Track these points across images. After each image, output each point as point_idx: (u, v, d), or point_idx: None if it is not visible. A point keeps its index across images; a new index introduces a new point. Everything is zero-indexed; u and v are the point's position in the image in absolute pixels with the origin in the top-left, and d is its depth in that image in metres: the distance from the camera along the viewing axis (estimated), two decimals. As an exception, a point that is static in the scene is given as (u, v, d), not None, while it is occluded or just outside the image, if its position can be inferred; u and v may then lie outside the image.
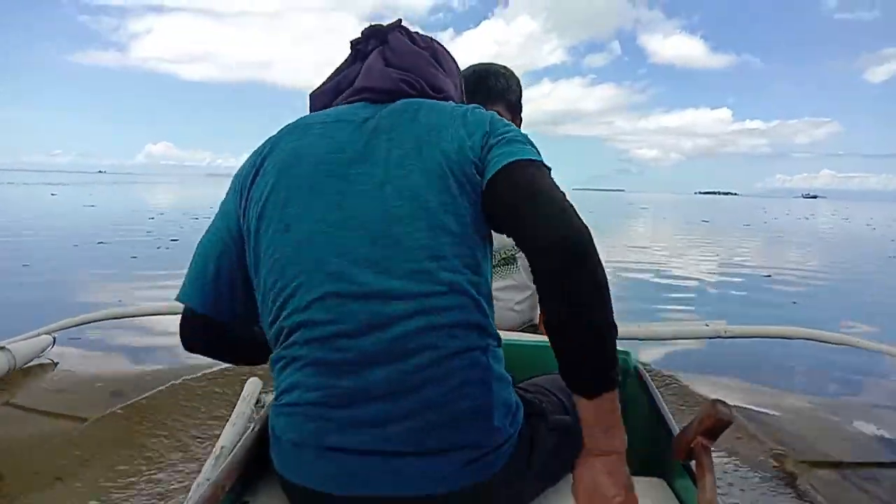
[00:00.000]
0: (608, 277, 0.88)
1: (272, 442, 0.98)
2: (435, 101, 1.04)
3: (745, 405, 3.21)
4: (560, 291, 0.85)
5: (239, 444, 1.10)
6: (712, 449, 1.04)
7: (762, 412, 3.17)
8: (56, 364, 3.45)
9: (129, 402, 2.78)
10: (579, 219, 0.88)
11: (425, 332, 0.88)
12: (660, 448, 1.25)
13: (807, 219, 34.82)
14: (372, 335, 0.88)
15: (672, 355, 3.99)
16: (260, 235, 0.96)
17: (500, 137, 0.96)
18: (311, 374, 0.91)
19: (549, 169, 0.96)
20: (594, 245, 0.86)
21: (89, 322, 3.27)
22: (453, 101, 1.11)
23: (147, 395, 2.87)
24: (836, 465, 2.69)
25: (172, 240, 10.51)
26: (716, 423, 1.02)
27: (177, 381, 3.06)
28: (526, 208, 0.88)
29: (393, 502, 0.90)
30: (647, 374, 1.63)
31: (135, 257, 8.33)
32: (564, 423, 1.09)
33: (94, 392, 3.08)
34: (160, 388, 2.97)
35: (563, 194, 0.91)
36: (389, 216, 0.90)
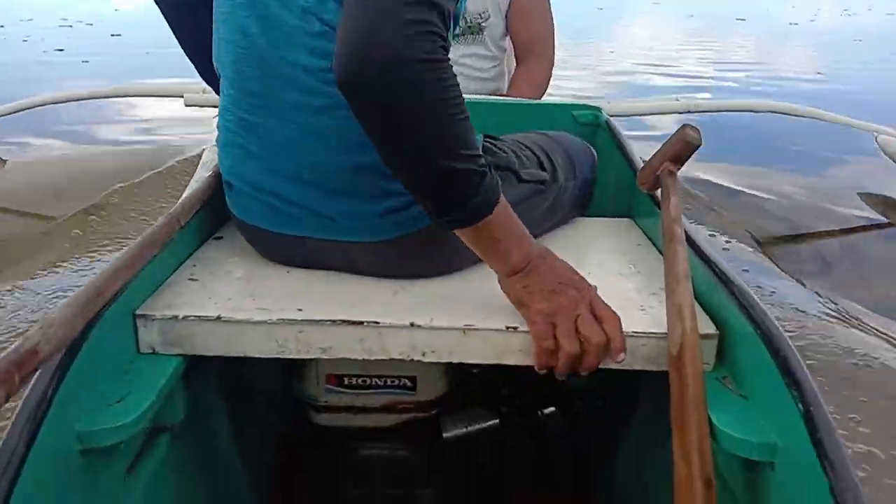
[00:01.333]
0: None
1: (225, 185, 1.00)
2: None
3: (717, 182, 3.26)
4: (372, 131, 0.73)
5: (196, 186, 1.05)
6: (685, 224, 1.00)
7: (737, 189, 3.23)
8: (5, 161, 3.26)
9: (92, 199, 2.68)
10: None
11: None
12: (630, 191, 1.25)
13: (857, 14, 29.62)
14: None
15: (648, 136, 3.98)
16: None
17: None
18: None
19: None
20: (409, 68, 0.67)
21: (24, 109, 2.96)
22: None
23: (109, 190, 2.78)
24: (806, 236, 2.81)
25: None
26: (683, 146, 1.00)
27: (144, 175, 2.97)
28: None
29: (324, 246, 0.92)
30: (618, 127, 1.59)
31: None
32: (538, 177, 1.07)
33: (49, 186, 2.98)
34: (123, 182, 2.87)
35: None
36: None
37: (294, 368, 1.10)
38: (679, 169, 1.02)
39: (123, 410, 0.71)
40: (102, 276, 0.74)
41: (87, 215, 2.57)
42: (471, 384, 1.24)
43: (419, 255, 0.93)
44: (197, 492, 0.98)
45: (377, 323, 0.81)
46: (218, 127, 1.00)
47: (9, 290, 1.93)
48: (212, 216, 1.05)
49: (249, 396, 1.19)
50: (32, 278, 2.02)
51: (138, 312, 0.80)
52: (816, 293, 2.17)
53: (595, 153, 1.36)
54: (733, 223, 2.81)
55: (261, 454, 1.28)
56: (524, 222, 1.04)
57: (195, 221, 0.98)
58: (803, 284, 2.25)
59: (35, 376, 0.64)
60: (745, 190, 3.25)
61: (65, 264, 2.12)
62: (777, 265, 2.40)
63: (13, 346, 0.59)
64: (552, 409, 1.21)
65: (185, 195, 1.00)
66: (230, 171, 0.96)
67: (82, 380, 0.69)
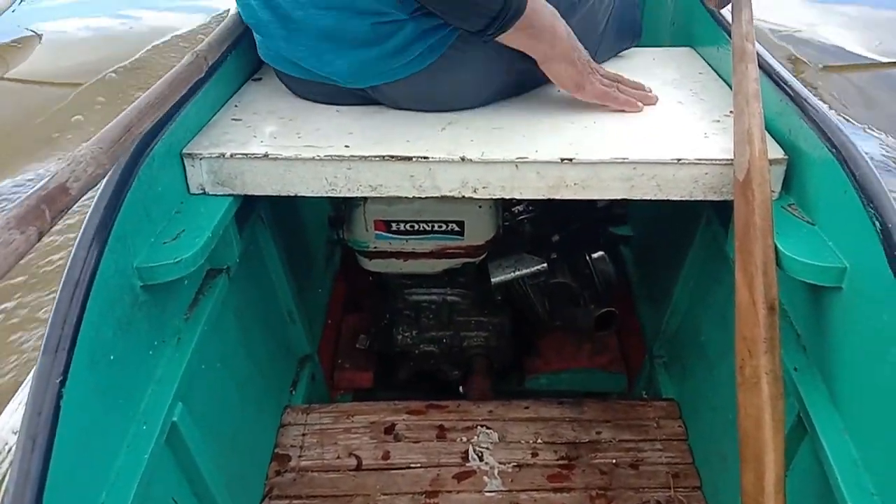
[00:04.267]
0: None
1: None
2: None
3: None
4: None
5: (226, 25, 0.99)
6: None
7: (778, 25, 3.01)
8: (41, 36, 3.23)
9: (121, 64, 2.67)
10: None
11: None
12: (691, 15, 1.16)
13: None
14: None
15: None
16: None
17: None
18: None
19: None
20: None
21: None
22: None
23: (136, 56, 2.74)
24: (847, 68, 2.63)
25: None
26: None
27: (163, 40, 2.90)
28: None
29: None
30: None
31: None
32: None
33: (82, 56, 2.94)
34: (148, 47, 2.82)
35: None
36: None
37: (343, 215, 1.09)
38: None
39: (180, 247, 0.71)
40: (131, 113, 0.71)
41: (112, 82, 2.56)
42: (518, 231, 1.22)
43: (453, 79, 0.87)
44: (254, 332, 1.02)
45: (427, 158, 0.78)
46: None
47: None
48: (248, 57, 1.01)
49: (301, 244, 1.19)
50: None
51: (185, 151, 0.79)
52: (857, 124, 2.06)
53: None
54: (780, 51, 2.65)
55: (314, 299, 1.31)
56: None
57: (232, 61, 0.94)
58: (842, 116, 2.13)
59: (88, 214, 0.64)
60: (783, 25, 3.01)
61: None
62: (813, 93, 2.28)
63: (41, 183, 0.55)
64: (600, 252, 1.20)
65: (212, 34, 0.94)
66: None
67: (136, 217, 0.68)
